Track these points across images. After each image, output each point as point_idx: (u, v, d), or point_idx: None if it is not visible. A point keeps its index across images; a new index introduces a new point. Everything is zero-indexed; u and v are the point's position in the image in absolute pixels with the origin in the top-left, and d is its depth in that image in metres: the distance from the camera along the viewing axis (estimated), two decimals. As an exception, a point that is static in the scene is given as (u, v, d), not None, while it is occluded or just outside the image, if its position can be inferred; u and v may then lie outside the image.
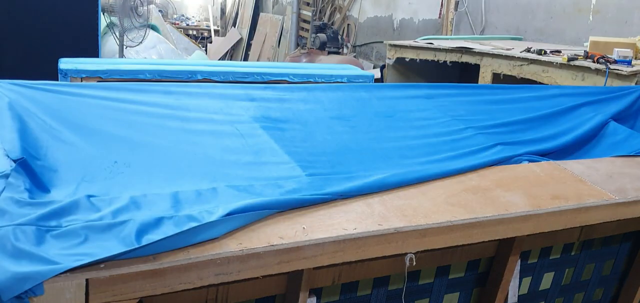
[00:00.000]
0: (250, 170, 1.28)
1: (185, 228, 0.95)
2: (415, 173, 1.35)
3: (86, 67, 2.93)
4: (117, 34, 5.61)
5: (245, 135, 1.44)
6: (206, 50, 9.23)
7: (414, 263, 1.15)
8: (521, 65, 3.69)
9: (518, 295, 1.60)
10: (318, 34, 7.27)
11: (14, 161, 1.08)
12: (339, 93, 1.86)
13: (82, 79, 3.04)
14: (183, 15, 10.51)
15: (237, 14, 9.94)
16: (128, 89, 1.60)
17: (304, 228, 1.04)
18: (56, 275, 0.80)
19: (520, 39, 5.23)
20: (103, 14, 5.47)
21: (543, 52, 3.68)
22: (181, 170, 1.23)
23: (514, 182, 1.39)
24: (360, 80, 3.74)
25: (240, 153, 1.35)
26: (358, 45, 7.70)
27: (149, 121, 1.42)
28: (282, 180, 1.23)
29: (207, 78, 3.52)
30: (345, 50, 7.52)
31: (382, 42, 6.66)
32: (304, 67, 4.37)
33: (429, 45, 4.42)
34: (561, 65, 3.40)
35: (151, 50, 6.32)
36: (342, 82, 3.65)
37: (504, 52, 3.85)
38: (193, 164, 1.26)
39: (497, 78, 3.90)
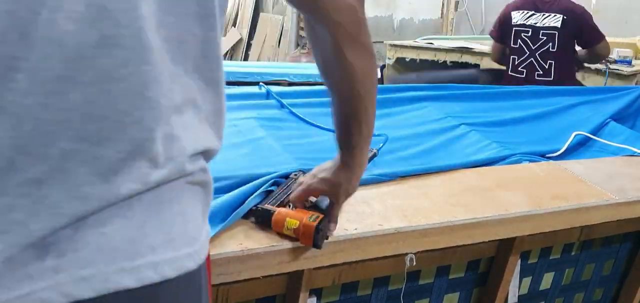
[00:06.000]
0: (247, 161, 1.29)
1: None
2: (408, 168, 1.36)
3: (86, 67, 2.92)
4: (117, 34, 5.61)
5: (243, 131, 1.46)
6: (206, 50, 9.22)
7: (414, 263, 1.15)
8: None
9: (518, 295, 1.60)
10: (318, 34, 7.26)
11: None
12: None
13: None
14: (183, 15, 10.50)
15: (237, 14, 9.93)
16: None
17: (304, 228, 1.04)
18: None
19: (520, 39, 5.23)
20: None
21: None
22: None
23: (514, 182, 1.40)
24: (360, 80, 3.74)
25: (237, 149, 1.36)
26: (358, 45, 7.69)
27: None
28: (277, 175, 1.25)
29: (207, 78, 3.52)
30: (345, 50, 7.50)
31: (382, 42, 6.66)
32: (304, 67, 4.36)
33: (429, 45, 4.42)
34: (561, 65, 3.40)
35: (151, 50, 6.32)
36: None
37: (504, 52, 3.84)
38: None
39: (497, 78, 3.90)
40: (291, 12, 8.26)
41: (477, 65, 4.04)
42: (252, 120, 1.62)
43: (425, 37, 5.11)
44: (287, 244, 0.99)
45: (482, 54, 4.00)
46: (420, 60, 4.52)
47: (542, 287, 1.67)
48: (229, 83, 2.44)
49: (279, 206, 1.04)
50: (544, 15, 3.06)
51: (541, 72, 3.08)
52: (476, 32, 5.96)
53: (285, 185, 1.14)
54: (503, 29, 3.22)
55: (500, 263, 1.47)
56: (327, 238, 0.98)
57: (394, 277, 1.35)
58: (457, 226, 1.15)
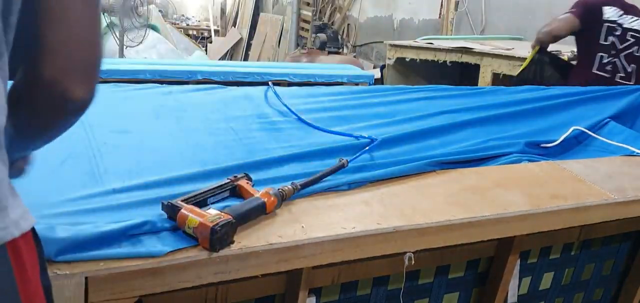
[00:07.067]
0: (243, 160, 1.31)
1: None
2: (403, 165, 1.38)
3: (86, 67, 2.92)
4: (117, 33, 5.61)
5: (239, 131, 1.47)
6: (206, 50, 9.22)
7: (413, 262, 1.15)
8: (521, 65, 3.69)
9: (518, 295, 1.60)
10: (318, 34, 7.27)
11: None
12: (339, 94, 1.89)
13: (82, 79, 3.05)
14: (183, 15, 10.50)
15: (237, 14, 9.93)
16: (126, 89, 1.63)
17: (302, 227, 1.04)
18: (55, 273, 0.81)
19: (520, 39, 5.23)
20: (103, 13, 5.47)
21: (543, 52, 3.68)
22: (171, 156, 1.28)
23: (512, 182, 1.40)
24: (360, 80, 3.75)
25: (233, 149, 1.37)
26: (358, 45, 7.69)
27: (143, 117, 1.48)
28: (273, 173, 1.27)
29: (207, 78, 3.52)
30: (345, 50, 7.51)
31: (382, 42, 6.65)
32: (304, 67, 4.36)
33: (429, 45, 4.42)
34: (561, 65, 3.39)
35: (151, 50, 6.31)
36: (342, 82, 3.65)
37: (504, 52, 3.85)
38: (184, 152, 1.31)
39: (497, 78, 3.90)
40: (291, 12, 8.26)
41: (476, 66, 4.04)
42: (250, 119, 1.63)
43: (425, 37, 5.11)
44: (286, 243, 0.99)
45: (482, 54, 4.00)
46: (420, 60, 4.52)
47: (541, 287, 1.67)
48: (229, 83, 2.46)
49: (192, 203, 0.99)
50: (632, 18, 3.00)
51: (623, 75, 3.02)
52: (476, 32, 5.94)
53: (216, 186, 1.08)
54: (590, 19, 3.07)
55: (500, 263, 1.47)
56: (231, 244, 0.93)
57: (393, 277, 1.35)
58: (456, 225, 1.15)
